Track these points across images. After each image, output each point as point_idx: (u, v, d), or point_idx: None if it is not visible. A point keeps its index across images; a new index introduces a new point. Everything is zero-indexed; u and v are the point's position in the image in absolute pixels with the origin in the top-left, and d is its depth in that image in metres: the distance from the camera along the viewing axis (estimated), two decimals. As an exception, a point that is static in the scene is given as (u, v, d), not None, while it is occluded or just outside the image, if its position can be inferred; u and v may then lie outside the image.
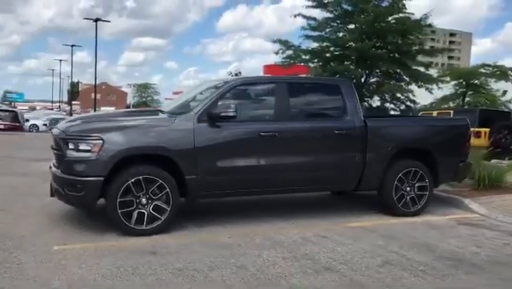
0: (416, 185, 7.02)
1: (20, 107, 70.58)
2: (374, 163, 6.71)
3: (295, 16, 25.92)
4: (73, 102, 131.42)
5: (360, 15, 22.86)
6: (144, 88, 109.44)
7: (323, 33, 23.64)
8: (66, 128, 5.74)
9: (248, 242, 5.52)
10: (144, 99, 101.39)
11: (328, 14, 24.44)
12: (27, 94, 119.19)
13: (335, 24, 24.08)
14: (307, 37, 23.81)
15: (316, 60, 25.41)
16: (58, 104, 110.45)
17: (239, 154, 6.06)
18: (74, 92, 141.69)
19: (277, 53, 26.21)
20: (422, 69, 19.90)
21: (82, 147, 5.48)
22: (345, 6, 21.54)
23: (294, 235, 5.83)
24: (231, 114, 5.79)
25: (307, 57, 24.95)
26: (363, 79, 24.42)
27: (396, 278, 4.53)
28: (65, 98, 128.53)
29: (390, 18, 20.13)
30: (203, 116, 5.88)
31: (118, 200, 5.48)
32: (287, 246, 5.39)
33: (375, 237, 5.89)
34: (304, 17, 24.39)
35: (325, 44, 24.01)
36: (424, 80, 19.29)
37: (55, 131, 6.00)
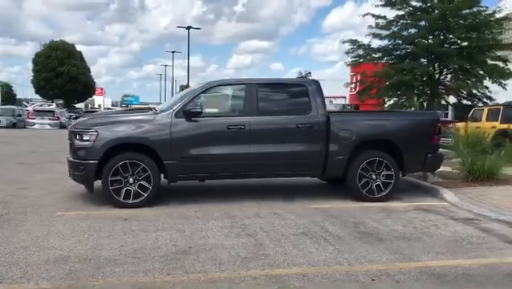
0: (382, 173, 7.72)
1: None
2: (336, 153, 7.58)
3: (364, 15, 26.35)
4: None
5: (429, 11, 22.78)
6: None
7: (390, 31, 23.88)
8: (75, 124, 7.42)
9: (207, 215, 6.74)
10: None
11: (397, 12, 24.56)
12: (144, 97, 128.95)
13: (404, 21, 24.17)
14: (375, 35, 24.19)
15: (386, 58, 25.65)
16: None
17: (210, 144, 7.31)
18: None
19: (347, 52, 26.82)
20: (501, 64, 19.23)
21: (84, 137, 7.08)
22: (414, 3, 21.47)
23: (250, 212, 6.94)
24: (198, 110, 7.10)
25: (377, 55, 25.29)
26: (436, 77, 24.23)
27: (297, 243, 5.49)
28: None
29: (462, 13, 19.68)
30: (179, 113, 7.22)
31: (109, 179, 7.01)
32: (234, 219, 6.53)
33: (320, 215, 6.79)
34: (373, 16, 24.76)
35: (395, 42, 24.20)
36: (500, 75, 18.63)
37: (70, 126, 7.70)
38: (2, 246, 5.22)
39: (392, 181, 7.75)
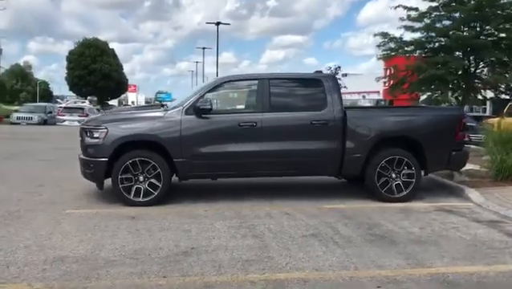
0: (403, 172, 7.36)
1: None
2: (353, 151, 7.26)
3: (395, 8, 25.65)
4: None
5: (464, 2, 21.98)
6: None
7: (422, 23, 23.16)
8: (86, 121, 7.36)
9: (216, 214, 6.56)
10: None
11: (430, 3, 23.81)
12: (177, 93, 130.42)
13: (438, 13, 23.41)
14: (407, 28, 23.51)
15: (418, 51, 24.92)
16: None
17: (220, 141, 7.11)
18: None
19: (379, 46, 26.19)
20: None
21: (94, 135, 7.01)
22: None
23: (261, 212, 6.71)
24: (208, 107, 6.91)
25: (409, 48, 24.59)
26: (472, 70, 23.39)
27: (305, 245, 5.23)
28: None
29: (499, 3, 18.89)
30: (190, 110, 7.06)
31: (119, 176, 6.91)
32: (243, 219, 6.32)
33: (334, 216, 6.51)
34: (405, 7, 24.07)
35: (428, 34, 23.48)
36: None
37: (81, 124, 7.65)
38: (6, 244, 5.18)
39: (414, 181, 7.38)
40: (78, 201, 7.34)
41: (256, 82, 7.36)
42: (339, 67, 27.10)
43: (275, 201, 7.41)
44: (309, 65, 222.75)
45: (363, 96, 46.58)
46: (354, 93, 56.83)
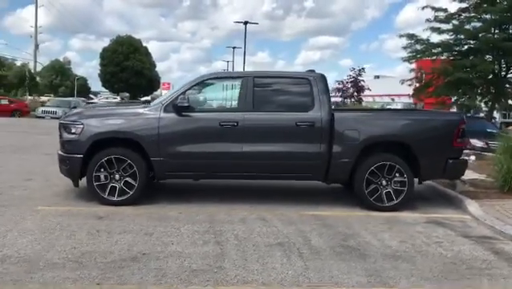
0: (394, 179, 6.88)
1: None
2: (341, 155, 6.82)
3: (423, 8, 24.83)
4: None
5: (495, 3, 21.11)
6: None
7: (450, 24, 22.35)
8: (64, 117, 7.16)
9: (188, 217, 6.26)
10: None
11: (460, 4, 22.95)
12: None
13: (467, 14, 22.53)
14: (433, 29, 22.72)
15: (446, 54, 24.06)
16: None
17: (200, 141, 6.78)
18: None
19: (405, 48, 25.42)
20: None
21: (70, 130, 6.81)
22: None
23: (237, 216, 6.37)
24: (185, 104, 6.60)
25: (436, 50, 23.77)
26: (502, 74, 22.44)
27: (266, 255, 4.87)
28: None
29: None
30: (169, 107, 6.77)
31: (93, 174, 6.69)
32: (214, 223, 5.99)
33: (312, 224, 6.11)
34: (433, 8, 23.26)
35: (457, 36, 22.65)
36: None
37: (60, 119, 7.47)
38: (-41, 240, 5.01)
39: (405, 189, 6.88)
40: (56, 198, 7.17)
41: (240, 80, 7.00)
42: (363, 69, 26.41)
43: (258, 205, 7.04)
44: (345, 66, 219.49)
45: (392, 99, 45.37)
46: (385, 96, 55.69)
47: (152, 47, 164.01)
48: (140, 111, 6.93)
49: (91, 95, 64.45)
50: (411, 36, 24.63)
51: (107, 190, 6.73)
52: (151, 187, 7.66)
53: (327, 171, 6.92)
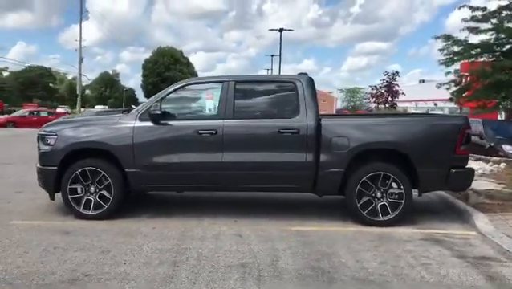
0: (389, 191, 6.23)
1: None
2: (329, 164, 6.23)
3: (459, 8, 23.62)
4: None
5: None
6: (352, 93, 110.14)
7: (488, 24, 21.15)
8: (42, 128, 6.93)
9: (158, 234, 5.84)
10: (352, 104, 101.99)
11: (500, 2, 21.73)
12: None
13: (508, 12, 21.26)
14: (471, 30, 21.57)
15: (486, 55, 22.81)
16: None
17: (177, 151, 6.36)
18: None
19: (442, 50, 24.24)
20: None
21: (46, 141, 6.56)
22: None
23: (211, 232, 5.92)
24: (158, 112, 6.21)
25: (475, 52, 22.56)
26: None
27: (219, 278, 4.39)
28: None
29: None
30: (144, 115, 6.41)
31: (68, 187, 6.40)
32: (182, 241, 5.56)
33: (290, 241, 5.57)
34: (470, 8, 22.07)
35: (498, 36, 21.43)
36: None
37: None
38: None
39: (403, 202, 6.19)
40: (35, 211, 6.93)
41: (220, 85, 6.54)
42: (397, 73, 25.28)
43: (243, 219, 6.55)
44: (392, 72, 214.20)
45: (435, 104, 43.52)
46: (429, 100, 53.64)
47: (200, 58, 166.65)
48: (115, 120, 6.60)
49: (133, 106, 65.80)
50: (447, 37, 23.45)
51: (82, 204, 6.43)
52: (140, 199, 7.38)
53: (315, 182, 6.34)
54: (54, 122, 7.19)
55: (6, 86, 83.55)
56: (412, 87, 65.66)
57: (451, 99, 25.65)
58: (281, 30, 42.56)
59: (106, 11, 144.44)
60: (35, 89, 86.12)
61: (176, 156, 6.36)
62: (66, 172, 6.42)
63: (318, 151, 6.25)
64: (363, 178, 6.20)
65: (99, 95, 79.41)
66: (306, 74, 6.88)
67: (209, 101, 6.72)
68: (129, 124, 6.41)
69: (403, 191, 6.18)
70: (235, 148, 6.33)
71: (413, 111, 51.06)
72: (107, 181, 6.38)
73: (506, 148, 12.17)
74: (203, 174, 6.39)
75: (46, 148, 6.53)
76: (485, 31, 21.28)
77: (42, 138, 6.63)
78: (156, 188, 6.78)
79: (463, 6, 22.96)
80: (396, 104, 24.79)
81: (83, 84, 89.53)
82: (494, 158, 11.17)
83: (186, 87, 6.75)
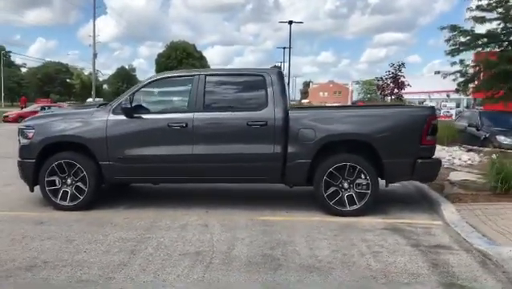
0: (356, 182, 6.32)
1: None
2: (296, 156, 6.35)
3: (467, -3, 23.27)
4: (303, 100, 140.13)
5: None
6: (368, 85, 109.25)
7: (494, 13, 20.91)
8: (23, 122, 7.17)
9: (128, 224, 6.04)
10: (368, 96, 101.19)
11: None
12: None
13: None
14: (476, 19, 21.32)
15: (493, 45, 22.55)
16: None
17: (148, 144, 6.53)
18: (305, 92, 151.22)
19: (448, 40, 23.96)
20: None
21: (25, 135, 6.81)
22: None
23: (180, 222, 6.08)
24: (128, 106, 6.39)
25: (481, 42, 22.31)
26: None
27: (168, 266, 4.55)
28: (297, 96, 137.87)
29: None
30: (117, 109, 6.59)
31: (45, 179, 6.64)
32: (149, 230, 5.72)
33: (252, 230, 5.71)
34: (478, -4, 21.83)
35: (506, 25, 21.16)
36: None
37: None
38: None
39: (369, 192, 6.27)
40: (16, 203, 7.18)
41: (191, 79, 6.69)
42: (403, 64, 24.99)
43: (216, 209, 6.70)
44: (412, 63, 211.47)
45: (448, 95, 42.98)
46: (443, 92, 52.84)
47: (217, 52, 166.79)
48: (90, 114, 6.80)
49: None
50: (454, 28, 23.15)
51: (59, 195, 6.65)
52: (122, 191, 7.59)
53: (283, 173, 6.45)
54: (33, 116, 7.43)
55: (23, 82, 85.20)
56: (427, 78, 64.83)
57: (457, 90, 25.40)
58: (290, 22, 42.46)
59: (124, 6, 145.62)
60: (53, 85, 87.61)
61: (148, 148, 6.54)
62: (43, 165, 6.64)
63: (286, 142, 6.35)
64: (330, 169, 6.30)
65: (116, 89, 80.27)
66: (278, 67, 6.99)
67: (181, 95, 6.85)
68: (103, 118, 6.60)
69: (369, 182, 6.26)
70: (205, 141, 6.47)
71: (428, 103, 50.55)
72: (83, 173, 6.59)
73: (500, 138, 12.07)
74: (174, 166, 6.55)
75: (25, 141, 6.76)
76: (490, 21, 20.99)
77: (21, 132, 6.87)
78: (130, 180, 6.99)
79: (471, -5, 22.62)
80: (402, 96, 24.65)
81: (100, 79, 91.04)
82: (487, 149, 11.10)
83: (159, 81, 6.91)
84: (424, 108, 6.58)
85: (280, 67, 6.74)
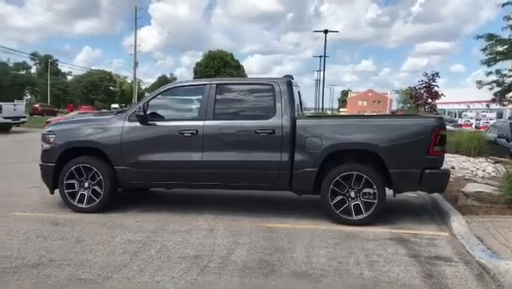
0: (363, 191, 6.33)
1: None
2: (303, 164, 6.42)
3: (503, 5, 22.87)
4: (341, 109, 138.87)
5: None
6: (407, 94, 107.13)
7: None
8: (46, 128, 7.55)
9: (139, 226, 6.26)
10: (408, 105, 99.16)
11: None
12: (310, 102, 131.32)
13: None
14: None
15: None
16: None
17: (160, 150, 6.75)
18: (343, 100, 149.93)
19: (485, 49, 23.47)
20: None
21: (47, 140, 7.17)
22: None
23: (188, 226, 6.26)
24: (141, 113, 6.64)
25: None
26: None
27: (167, 267, 4.72)
28: (335, 105, 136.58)
29: None
30: (133, 116, 6.86)
31: (64, 182, 6.97)
32: (156, 233, 5.93)
33: (257, 236, 5.84)
34: (516, 4, 21.41)
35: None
36: None
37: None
38: None
39: (376, 202, 6.27)
40: (38, 204, 7.54)
41: (202, 88, 6.89)
42: (437, 73, 24.48)
43: (225, 215, 6.84)
44: (455, 72, 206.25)
45: (487, 105, 41.69)
46: (483, 102, 51.30)
47: (256, 60, 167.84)
48: (107, 120, 7.09)
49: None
50: (490, 37, 22.63)
51: (77, 198, 6.95)
52: (141, 195, 7.84)
53: (291, 181, 6.53)
54: (56, 122, 7.80)
55: (69, 89, 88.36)
56: (469, 88, 63.16)
57: (493, 100, 24.70)
58: (326, 31, 42.43)
59: (167, 17, 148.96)
60: (97, 92, 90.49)
61: (160, 154, 6.75)
62: (63, 169, 6.97)
63: (293, 151, 6.44)
64: (337, 178, 6.33)
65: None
66: (290, 76, 7.10)
67: (193, 103, 7.06)
68: (119, 125, 6.88)
69: (376, 191, 6.25)
70: (214, 148, 6.64)
71: (467, 113, 49.15)
72: (99, 177, 6.88)
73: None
74: (184, 172, 6.74)
75: (47, 146, 7.12)
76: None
77: (43, 137, 7.24)
78: (143, 184, 7.21)
79: (507, 4, 22.12)
80: (435, 106, 24.16)
81: (143, 87, 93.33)
82: (502, 159, 10.80)
83: (172, 89, 7.15)
84: (432, 119, 6.51)
85: (291, 76, 6.80)
